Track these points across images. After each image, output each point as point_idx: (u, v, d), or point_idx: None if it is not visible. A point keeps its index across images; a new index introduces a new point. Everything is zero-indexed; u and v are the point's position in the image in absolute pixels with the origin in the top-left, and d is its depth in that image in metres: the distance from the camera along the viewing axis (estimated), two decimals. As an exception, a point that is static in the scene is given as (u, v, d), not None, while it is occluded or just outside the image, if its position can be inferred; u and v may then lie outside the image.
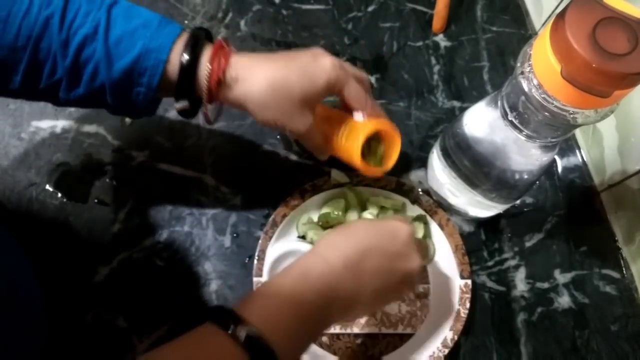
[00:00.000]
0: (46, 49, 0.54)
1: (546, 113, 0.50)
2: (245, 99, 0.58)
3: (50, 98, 0.59)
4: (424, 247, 0.72)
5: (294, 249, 0.70)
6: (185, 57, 0.56)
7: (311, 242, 0.71)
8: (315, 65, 0.59)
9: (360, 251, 0.55)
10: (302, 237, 0.73)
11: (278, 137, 0.81)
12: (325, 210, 0.73)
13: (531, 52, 0.49)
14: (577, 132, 0.85)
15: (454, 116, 0.85)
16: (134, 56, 0.55)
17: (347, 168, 0.75)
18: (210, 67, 0.56)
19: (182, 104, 0.59)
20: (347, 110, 0.65)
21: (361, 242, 0.56)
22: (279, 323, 0.49)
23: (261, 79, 0.57)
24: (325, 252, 0.55)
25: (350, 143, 0.64)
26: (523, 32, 0.94)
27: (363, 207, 0.75)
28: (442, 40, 0.92)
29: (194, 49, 0.57)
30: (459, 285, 0.70)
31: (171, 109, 0.79)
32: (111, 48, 0.55)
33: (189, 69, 0.57)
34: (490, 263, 0.75)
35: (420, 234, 0.73)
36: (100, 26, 0.55)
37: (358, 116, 0.64)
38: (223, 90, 0.58)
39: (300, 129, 0.60)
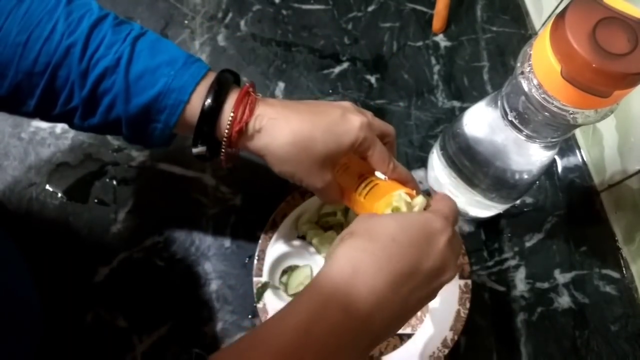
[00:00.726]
0: (64, 77, 0.53)
1: (546, 113, 0.50)
2: (266, 152, 0.56)
3: (65, 122, 0.58)
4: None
5: (294, 249, 0.70)
6: (209, 101, 0.54)
7: (311, 243, 0.71)
8: (343, 125, 0.56)
9: (394, 278, 0.46)
10: (302, 237, 0.73)
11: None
12: (325, 210, 0.73)
13: (531, 52, 0.49)
14: (577, 132, 0.85)
15: (454, 116, 0.85)
16: (154, 94, 0.54)
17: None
18: (233, 115, 0.54)
19: (200, 149, 0.57)
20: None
21: (394, 264, 0.46)
22: None
23: (285, 134, 0.54)
24: (337, 285, 0.45)
25: (370, 203, 0.59)
26: (523, 32, 0.94)
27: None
28: (442, 40, 0.92)
29: (219, 94, 0.55)
30: (458, 285, 0.70)
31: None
32: (131, 83, 0.53)
33: (211, 115, 0.55)
34: (490, 263, 0.75)
35: None
36: (123, 59, 0.53)
37: (380, 175, 0.61)
38: (243, 139, 0.56)
39: (317, 186, 0.57)
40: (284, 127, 0.55)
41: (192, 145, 0.57)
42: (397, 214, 0.52)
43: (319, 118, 0.56)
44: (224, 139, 0.55)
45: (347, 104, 0.59)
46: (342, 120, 0.56)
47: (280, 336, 0.43)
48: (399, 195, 0.56)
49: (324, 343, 0.42)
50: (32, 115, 0.56)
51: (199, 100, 0.55)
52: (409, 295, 0.46)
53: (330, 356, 0.43)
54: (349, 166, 0.62)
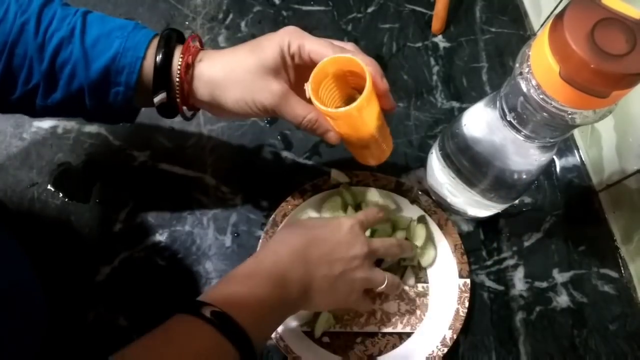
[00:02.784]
0: (22, 54, 0.54)
1: (545, 113, 0.51)
2: (212, 86, 0.59)
3: (25, 107, 0.60)
4: (405, 246, 0.69)
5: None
6: (160, 51, 0.57)
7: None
8: (268, 36, 0.59)
9: (304, 241, 0.61)
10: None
11: (278, 136, 0.82)
12: (325, 213, 0.74)
13: (530, 52, 0.49)
14: (576, 132, 0.86)
15: (453, 116, 0.86)
16: (112, 55, 0.56)
17: (347, 168, 0.75)
18: (182, 57, 0.58)
19: (160, 96, 0.59)
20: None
21: (304, 233, 0.62)
22: (239, 303, 0.53)
23: (220, 60, 0.59)
24: (274, 246, 0.61)
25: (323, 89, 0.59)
26: (522, 33, 0.95)
27: (359, 208, 0.75)
28: (441, 41, 0.93)
29: (168, 44, 0.58)
30: (457, 284, 0.70)
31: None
32: (88, 48, 0.56)
33: (164, 63, 0.58)
34: (489, 262, 0.76)
35: (422, 236, 0.73)
36: (77, 29, 0.55)
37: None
38: (194, 83, 0.59)
39: (268, 98, 0.58)
40: (220, 57, 0.60)
41: (152, 96, 0.59)
42: (316, 218, 0.69)
43: (247, 43, 0.61)
44: (176, 79, 0.58)
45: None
46: (266, 36, 0.60)
47: (241, 268, 0.59)
48: None
49: (268, 270, 0.58)
50: None
51: (153, 55, 0.58)
52: (321, 258, 0.60)
53: (273, 280, 0.57)
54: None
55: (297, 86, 0.61)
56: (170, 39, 0.59)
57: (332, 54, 0.56)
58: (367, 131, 0.60)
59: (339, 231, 0.63)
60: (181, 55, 0.58)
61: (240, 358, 0.51)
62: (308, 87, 0.56)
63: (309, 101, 0.58)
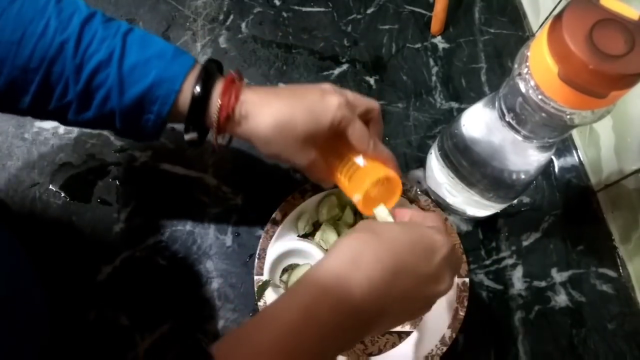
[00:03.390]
0: (59, 72, 0.54)
1: (543, 114, 0.51)
2: (251, 135, 0.58)
3: (58, 118, 0.59)
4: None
5: (295, 248, 0.71)
6: (198, 89, 0.56)
7: (319, 244, 0.73)
8: (321, 104, 0.58)
9: (388, 273, 0.48)
10: (303, 236, 0.73)
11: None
12: (322, 212, 0.74)
13: (528, 53, 0.50)
14: (574, 133, 0.86)
15: (452, 117, 0.86)
16: (147, 85, 0.55)
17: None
18: (220, 102, 0.57)
19: (191, 135, 0.59)
20: None
21: (390, 259, 0.48)
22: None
23: (267, 117, 0.57)
24: (344, 269, 0.48)
25: (353, 186, 0.62)
26: (520, 34, 0.95)
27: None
28: (440, 42, 0.93)
29: (206, 82, 0.57)
30: (457, 283, 0.71)
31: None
32: (125, 76, 0.55)
33: (200, 102, 0.57)
34: (487, 262, 0.76)
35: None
36: (115, 53, 0.55)
37: (360, 159, 0.63)
38: (231, 125, 0.58)
39: (302, 163, 0.60)
40: (266, 111, 0.58)
41: (184, 131, 0.59)
42: (401, 222, 0.55)
43: (298, 100, 0.59)
44: (214, 124, 0.58)
45: (326, 85, 0.61)
46: (320, 101, 0.59)
47: (285, 317, 0.46)
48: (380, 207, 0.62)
49: (324, 323, 0.45)
50: (27, 111, 0.58)
51: (189, 89, 0.57)
52: (402, 295, 0.49)
53: (328, 335, 0.46)
54: (336, 147, 0.64)
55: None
56: (210, 75, 0.58)
57: (366, 150, 0.61)
58: None
59: (433, 260, 0.50)
60: (219, 100, 0.57)
61: None
62: (358, 199, 0.61)
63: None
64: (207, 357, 0.43)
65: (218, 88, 0.58)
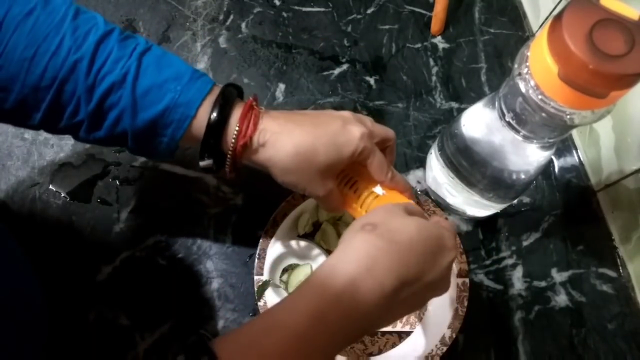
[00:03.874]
0: (71, 92, 0.53)
1: (543, 114, 0.51)
2: (270, 165, 0.57)
3: (70, 134, 0.58)
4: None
5: (295, 248, 0.71)
6: (214, 116, 0.55)
7: (319, 244, 0.73)
8: (344, 136, 0.57)
9: (401, 283, 0.48)
10: (303, 237, 0.73)
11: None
12: (324, 214, 0.74)
13: (528, 53, 0.50)
14: (574, 133, 0.86)
15: (452, 117, 0.86)
16: (161, 109, 0.54)
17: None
18: (237, 129, 0.56)
19: (207, 162, 0.58)
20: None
21: (406, 269, 0.48)
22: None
23: (288, 147, 0.56)
24: (352, 276, 0.47)
25: None
26: (520, 34, 0.95)
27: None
28: (440, 42, 0.93)
29: (224, 108, 0.56)
30: (456, 283, 0.71)
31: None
32: (138, 98, 0.54)
33: (217, 129, 0.56)
34: (487, 262, 0.76)
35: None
36: (130, 74, 0.53)
37: (378, 189, 0.62)
38: (248, 153, 0.57)
39: (319, 194, 0.59)
40: (287, 140, 0.56)
41: (199, 158, 0.58)
42: (417, 219, 0.53)
43: (320, 130, 0.57)
44: (229, 152, 0.57)
45: (347, 113, 0.60)
46: (342, 131, 0.57)
47: (295, 321, 0.45)
48: None
49: (332, 329, 0.46)
50: (38, 128, 0.57)
51: (205, 114, 0.55)
52: (406, 299, 0.49)
53: (335, 340, 0.46)
54: (351, 176, 0.63)
55: None
56: (227, 101, 0.56)
57: (384, 180, 0.60)
58: None
59: (439, 263, 0.50)
60: (236, 129, 0.55)
61: None
62: None
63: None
64: (212, 357, 0.42)
65: (236, 114, 0.56)
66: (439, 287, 0.52)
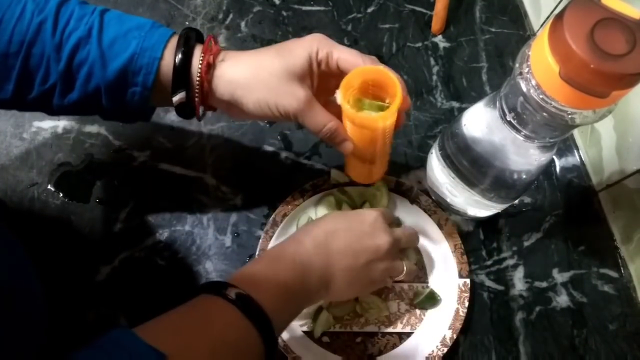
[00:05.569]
0: (39, 54, 0.54)
1: (544, 113, 0.51)
2: (235, 86, 0.58)
3: (43, 106, 0.60)
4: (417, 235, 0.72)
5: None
6: (180, 50, 0.57)
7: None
8: (296, 41, 0.60)
9: (327, 232, 0.61)
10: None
11: (278, 136, 0.82)
12: (320, 212, 0.74)
13: (529, 53, 0.50)
14: (575, 132, 0.86)
15: (452, 116, 0.86)
16: (129, 55, 0.56)
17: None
18: (202, 57, 0.57)
19: (179, 95, 0.59)
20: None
21: (328, 225, 0.63)
22: (263, 290, 0.54)
23: (245, 62, 0.59)
24: (299, 235, 0.62)
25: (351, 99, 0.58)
26: (522, 33, 0.95)
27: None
28: (441, 41, 0.93)
29: (187, 43, 0.58)
30: (457, 284, 0.71)
31: (172, 110, 0.80)
32: (105, 49, 0.56)
33: (184, 63, 0.57)
34: (488, 262, 0.76)
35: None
36: (94, 29, 0.55)
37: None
38: (214, 81, 0.59)
39: (292, 104, 0.58)
40: (245, 58, 0.60)
41: (171, 94, 0.59)
42: (340, 212, 0.70)
43: (274, 45, 0.61)
44: (197, 80, 0.58)
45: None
46: (294, 40, 0.60)
47: (264, 258, 0.61)
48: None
49: (290, 259, 0.59)
50: (11, 102, 0.58)
51: (170, 55, 0.58)
52: (343, 248, 0.61)
53: (294, 270, 0.58)
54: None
55: (318, 94, 0.61)
56: (189, 38, 0.59)
57: (361, 63, 0.57)
58: (380, 144, 0.61)
59: (363, 222, 0.63)
60: (202, 55, 0.58)
61: (262, 340, 0.51)
62: (339, 94, 0.56)
63: (331, 110, 0.59)
64: (225, 285, 0.53)
65: (199, 48, 0.59)
66: (373, 236, 0.63)
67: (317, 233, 0.61)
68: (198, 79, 0.58)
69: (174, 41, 0.59)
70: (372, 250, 0.62)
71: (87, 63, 0.56)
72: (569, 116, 0.49)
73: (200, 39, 0.61)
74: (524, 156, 0.62)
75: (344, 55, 0.58)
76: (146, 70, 0.57)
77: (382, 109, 0.58)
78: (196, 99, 0.60)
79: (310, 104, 0.59)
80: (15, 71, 0.54)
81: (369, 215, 0.64)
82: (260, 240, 0.71)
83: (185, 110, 0.61)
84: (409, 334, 0.70)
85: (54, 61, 0.55)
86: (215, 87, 0.59)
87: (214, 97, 0.60)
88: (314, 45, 0.58)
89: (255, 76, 0.58)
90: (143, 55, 0.57)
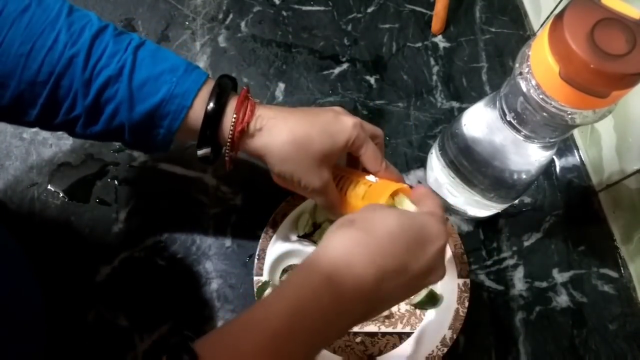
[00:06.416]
0: (67, 86, 0.53)
1: (544, 113, 0.51)
2: (266, 151, 0.57)
3: (65, 130, 0.59)
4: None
5: (294, 249, 0.70)
6: (212, 105, 0.56)
7: (314, 243, 0.72)
8: (337, 124, 0.58)
9: (380, 274, 0.46)
10: (303, 237, 0.73)
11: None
12: (324, 214, 0.74)
13: (530, 52, 0.50)
14: (575, 132, 0.86)
15: (452, 117, 0.86)
16: (158, 100, 0.55)
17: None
18: (235, 116, 0.56)
19: (205, 151, 0.59)
20: (362, 169, 0.64)
21: (384, 258, 0.47)
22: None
23: (284, 132, 0.57)
24: (329, 272, 0.46)
25: (366, 202, 0.60)
26: (522, 33, 0.95)
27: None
28: (441, 41, 0.93)
29: (220, 97, 0.57)
30: (457, 284, 0.70)
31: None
32: (135, 91, 0.55)
33: (214, 118, 0.56)
34: (488, 262, 0.76)
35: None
36: (126, 68, 0.54)
37: (371, 177, 0.62)
38: (245, 140, 0.58)
39: (316, 184, 0.59)
40: (283, 126, 0.57)
41: (196, 148, 0.58)
42: (398, 210, 0.53)
43: (314, 118, 0.58)
44: (228, 140, 0.57)
45: (338, 108, 0.61)
46: (335, 121, 0.59)
47: (273, 318, 0.44)
48: (402, 197, 0.59)
49: (313, 325, 0.45)
50: (33, 124, 0.57)
51: (201, 105, 0.56)
52: (392, 291, 0.48)
53: (318, 334, 0.45)
54: (342, 174, 0.64)
55: None
56: (223, 91, 0.57)
57: (379, 170, 0.61)
58: None
59: (426, 252, 0.49)
60: (234, 115, 0.56)
61: None
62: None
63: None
64: (193, 357, 0.41)
65: (232, 104, 0.57)
66: (430, 274, 0.50)
67: (366, 276, 0.46)
68: (229, 142, 0.57)
69: (206, 89, 0.57)
70: (421, 285, 0.53)
71: (114, 101, 0.55)
72: (569, 116, 0.49)
73: (234, 86, 0.60)
74: (524, 156, 0.62)
75: (369, 154, 0.60)
76: (173, 116, 0.56)
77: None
78: (226, 158, 0.60)
79: (330, 184, 0.60)
80: (41, 99, 0.54)
81: (436, 243, 0.50)
82: (260, 240, 0.71)
83: (208, 160, 0.61)
84: (409, 334, 0.70)
85: (81, 95, 0.54)
86: (244, 147, 0.59)
87: (241, 151, 0.60)
88: (353, 134, 0.58)
89: (292, 151, 0.57)
90: (172, 102, 0.55)
